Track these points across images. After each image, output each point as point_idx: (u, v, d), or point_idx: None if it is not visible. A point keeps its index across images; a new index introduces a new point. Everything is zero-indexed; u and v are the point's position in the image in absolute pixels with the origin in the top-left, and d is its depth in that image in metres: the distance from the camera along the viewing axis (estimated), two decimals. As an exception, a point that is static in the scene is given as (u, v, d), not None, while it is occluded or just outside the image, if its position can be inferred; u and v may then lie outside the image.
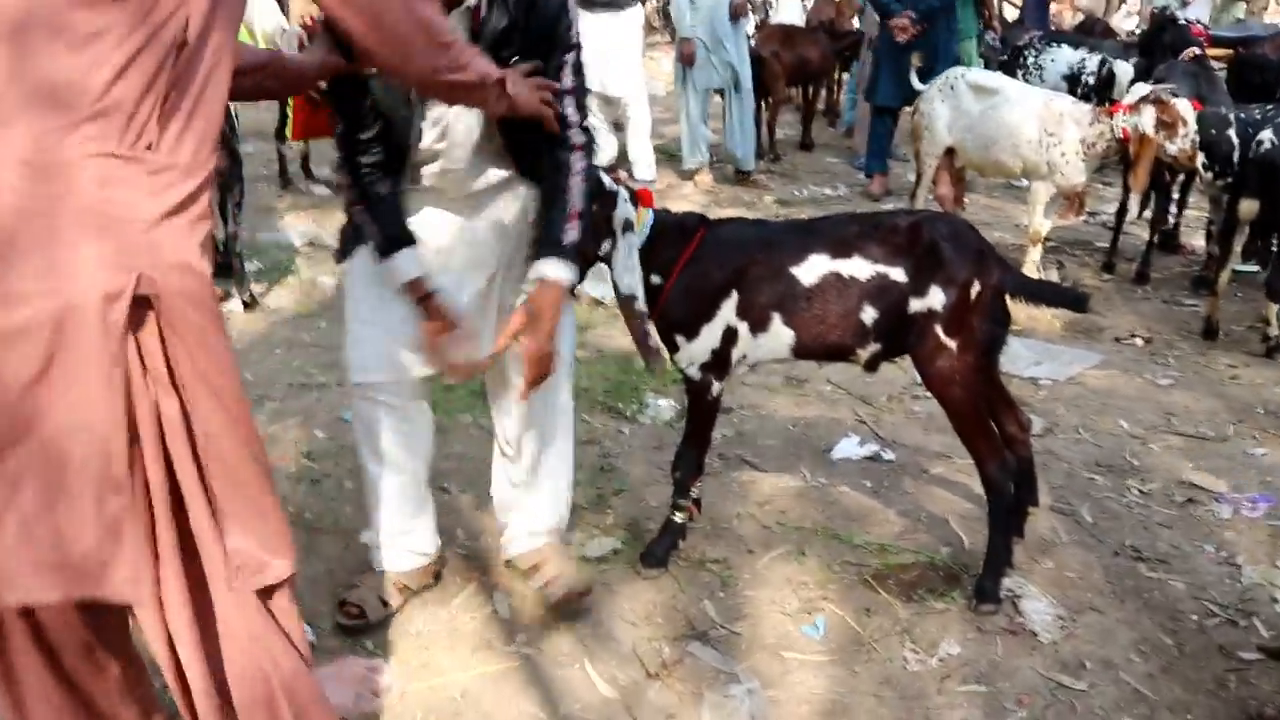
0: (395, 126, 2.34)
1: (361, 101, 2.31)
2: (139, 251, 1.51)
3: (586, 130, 2.42)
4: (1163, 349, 4.84)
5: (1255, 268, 5.55)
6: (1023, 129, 5.13)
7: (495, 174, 2.50)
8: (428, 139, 2.38)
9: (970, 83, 5.45)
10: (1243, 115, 4.90)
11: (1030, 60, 7.98)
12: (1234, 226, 4.80)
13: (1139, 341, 4.90)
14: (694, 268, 2.72)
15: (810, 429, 3.89)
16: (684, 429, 2.95)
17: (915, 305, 2.63)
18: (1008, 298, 2.68)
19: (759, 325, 2.72)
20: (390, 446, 2.60)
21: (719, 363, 2.78)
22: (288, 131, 6.14)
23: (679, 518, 2.96)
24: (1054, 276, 5.62)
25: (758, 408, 4.02)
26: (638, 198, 2.70)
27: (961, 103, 5.46)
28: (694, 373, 2.81)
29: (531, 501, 2.81)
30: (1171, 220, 6.37)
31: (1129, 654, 2.69)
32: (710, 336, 2.74)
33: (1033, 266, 5.37)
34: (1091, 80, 7.43)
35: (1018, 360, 4.42)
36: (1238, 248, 4.95)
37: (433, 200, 2.50)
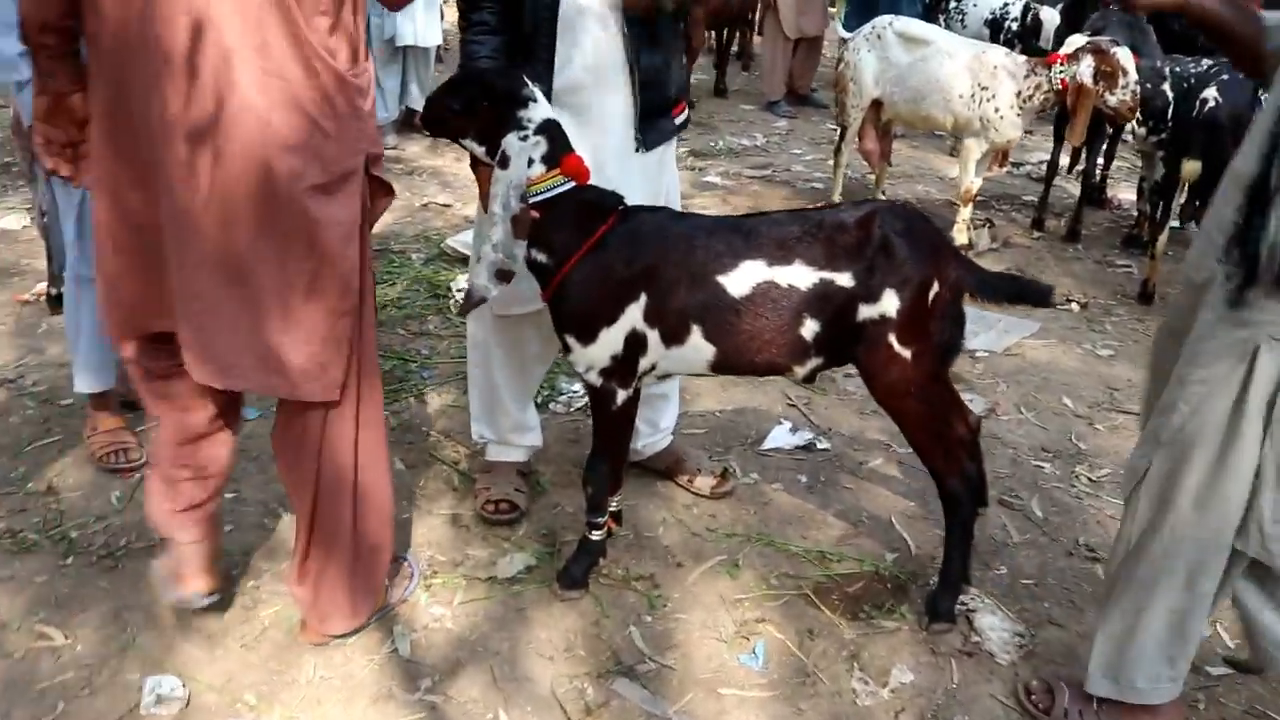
0: None
1: None
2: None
3: None
4: (1099, 315, 4.64)
5: (1184, 224, 5.39)
6: (954, 83, 4.85)
7: None
8: None
9: (898, 32, 5.15)
10: (1177, 69, 4.69)
11: (952, 5, 7.72)
12: (1174, 187, 4.59)
13: (1075, 307, 4.70)
14: (597, 258, 2.36)
15: (738, 416, 3.61)
16: (592, 440, 2.62)
17: (865, 312, 2.30)
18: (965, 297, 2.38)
19: (674, 336, 2.38)
20: (511, 358, 2.93)
21: (623, 370, 2.44)
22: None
23: (596, 536, 2.65)
24: (985, 236, 5.39)
25: (679, 391, 3.71)
26: (559, 159, 2.34)
27: (889, 53, 5.16)
28: (593, 379, 2.47)
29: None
30: (1098, 174, 6.19)
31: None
32: (610, 342, 2.39)
33: (964, 226, 5.14)
34: (1015, 26, 7.19)
35: (953, 332, 4.18)
36: (1175, 207, 4.76)
37: None
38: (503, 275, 2.32)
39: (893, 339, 2.31)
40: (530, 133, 2.31)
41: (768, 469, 3.27)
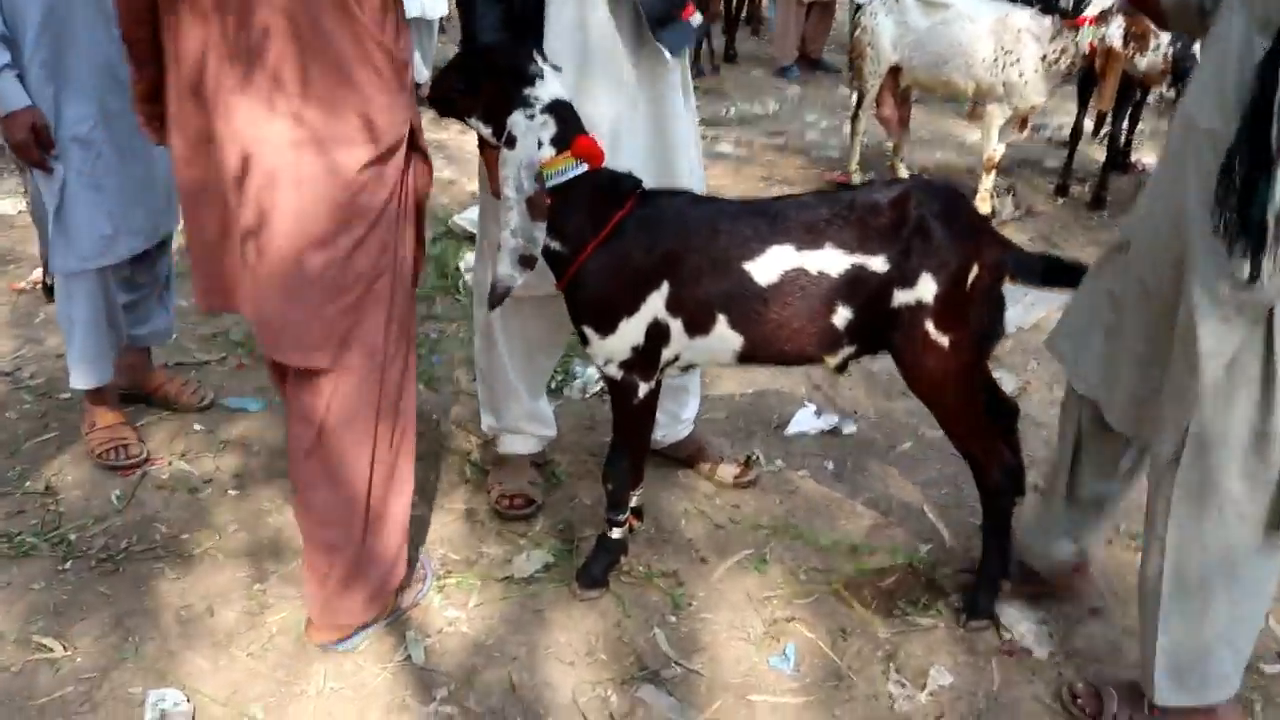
0: None
1: None
2: None
3: None
4: (1129, 285, 4.49)
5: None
6: (977, 47, 4.69)
7: None
8: None
9: (917, -6, 4.97)
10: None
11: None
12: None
13: (1103, 277, 4.54)
14: (614, 246, 2.22)
15: (760, 399, 3.48)
16: (612, 434, 2.49)
17: (901, 298, 2.16)
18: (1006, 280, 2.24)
19: (697, 326, 2.24)
20: (517, 345, 2.78)
21: (645, 362, 2.31)
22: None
23: (616, 534, 2.53)
24: (1008, 204, 5.23)
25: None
26: (570, 140, 2.20)
27: (908, 17, 4.99)
28: (613, 371, 2.34)
29: None
30: (1123, 137, 6.01)
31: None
32: (631, 333, 2.26)
33: (987, 194, 4.98)
34: (1035, -14, 6.97)
35: (979, 306, 4.04)
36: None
37: None
38: (526, 261, 2.18)
39: (930, 326, 2.17)
40: (537, 111, 2.18)
41: (792, 455, 3.15)
